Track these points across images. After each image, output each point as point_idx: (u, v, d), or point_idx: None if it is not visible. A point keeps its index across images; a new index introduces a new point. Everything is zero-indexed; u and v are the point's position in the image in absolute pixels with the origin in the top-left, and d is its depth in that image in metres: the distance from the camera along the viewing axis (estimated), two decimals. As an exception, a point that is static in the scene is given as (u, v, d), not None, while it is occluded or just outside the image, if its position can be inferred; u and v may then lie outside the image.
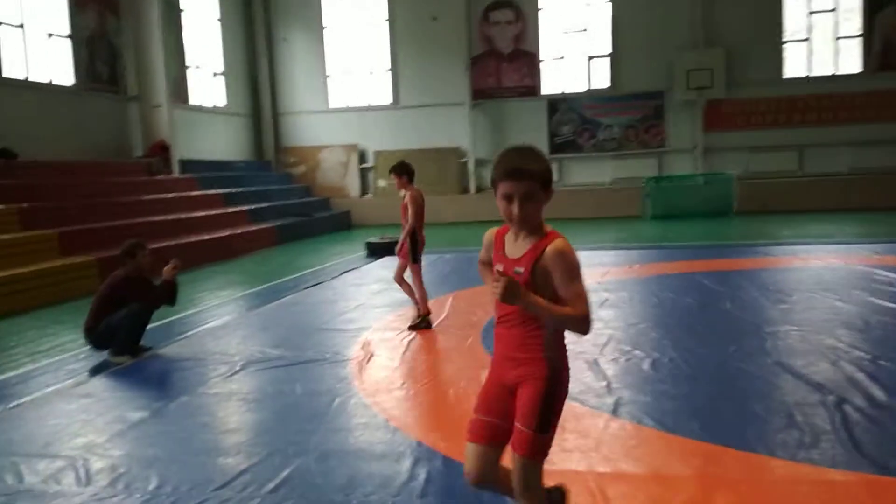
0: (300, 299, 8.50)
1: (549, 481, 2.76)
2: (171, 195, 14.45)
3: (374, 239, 13.27)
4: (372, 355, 5.63)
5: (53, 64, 13.97)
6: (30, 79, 13.36)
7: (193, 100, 18.02)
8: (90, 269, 9.70)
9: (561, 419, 2.42)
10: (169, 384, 5.33)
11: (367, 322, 6.95)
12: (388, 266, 10.70)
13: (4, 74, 12.76)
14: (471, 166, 20.14)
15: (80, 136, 14.39)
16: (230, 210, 15.52)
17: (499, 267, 2.40)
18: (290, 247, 15.06)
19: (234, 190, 16.75)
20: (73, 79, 14.39)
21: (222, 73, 19.44)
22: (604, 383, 4.55)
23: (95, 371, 5.67)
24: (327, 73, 20.84)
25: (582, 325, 2.28)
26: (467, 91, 19.93)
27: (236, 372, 5.35)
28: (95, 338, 5.88)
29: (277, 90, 21.06)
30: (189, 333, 6.86)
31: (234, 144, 20.01)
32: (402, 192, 6.64)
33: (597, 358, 5.14)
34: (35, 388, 5.28)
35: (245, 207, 16.12)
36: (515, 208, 2.29)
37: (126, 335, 5.82)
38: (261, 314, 7.68)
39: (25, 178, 11.75)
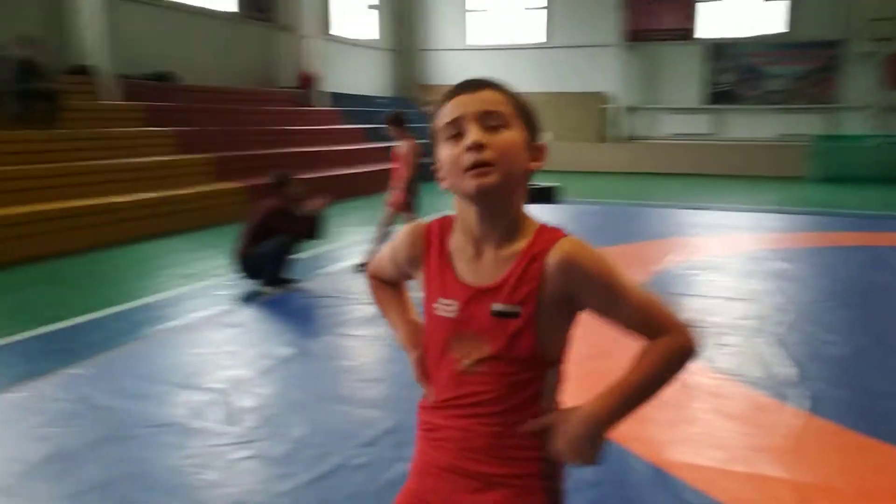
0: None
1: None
2: (316, 127, 14.57)
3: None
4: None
5: (213, -10, 14.24)
6: (194, 4, 13.68)
7: (343, 32, 18.00)
8: (240, 196, 9.88)
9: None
10: (314, 321, 5.22)
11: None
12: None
13: (168, -1, 13.12)
14: (615, 113, 19.13)
15: (234, 64, 14.70)
16: (371, 146, 15.49)
17: (447, 306, 1.27)
18: (427, 186, 14.89)
19: (375, 126, 16.70)
20: (235, 5, 14.64)
21: (375, 7, 19.27)
22: (794, 370, 3.97)
23: (243, 300, 5.65)
24: (467, 8, 20.24)
25: (689, 354, 1.24)
26: (618, 32, 18.78)
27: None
28: (245, 265, 5.85)
29: (422, 25, 20.71)
30: (331, 268, 6.77)
31: (378, 80, 19.95)
32: (400, 143, 6.54)
33: (783, 338, 4.53)
34: (184, 313, 5.31)
35: (386, 144, 16.05)
36: (474, 136, 1.18)
37: (273, 266, 5.76)
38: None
39: (183, 101, 12.09)
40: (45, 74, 9.24)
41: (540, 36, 19.93)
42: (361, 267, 6.51)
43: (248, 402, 3.54)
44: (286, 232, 5.80)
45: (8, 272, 6.61)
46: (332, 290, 5.85)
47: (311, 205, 5.94)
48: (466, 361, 1.27)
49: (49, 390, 3.68)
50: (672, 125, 19.07)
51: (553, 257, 1.20)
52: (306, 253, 6.93)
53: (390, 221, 6.61)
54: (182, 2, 13.43)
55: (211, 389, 3.69)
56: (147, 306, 5.54)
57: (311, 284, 6.09)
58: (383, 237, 6.52)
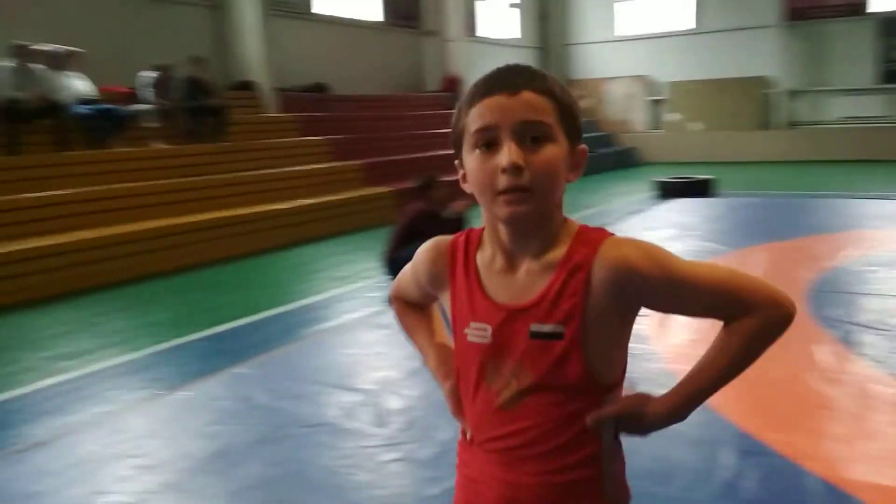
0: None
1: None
2: (460, 129, 14.73)
3: (664, 178, 12.33)
4: (674, 312, 5.00)
5: (363, 1, 14.76)
6: (340, 15, 14.25)
7: (485, 33, 18.10)
8: (388, 200, 10.15)
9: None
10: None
11: (665, 271, 6.29)
12: (680, 209, 9.82)
13: (314, 10, 13.73)
14: (775, 98, 17.92)
15: (382, 71, 15.14)
16: (516, 144, 15.45)
17: (479, 331, 1.11)
18: (573, 184, 14.59)
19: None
20: (381, 15, 15.12)
21: (517, 5, 19.24)
22: None
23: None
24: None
25: (783, 327, 1.07)
26: (777, 10, 17.58)
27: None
28: (393, 267, 5.98)
29: (566, 20, 20.41)
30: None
31: (521, 78, 19.88)
32: None
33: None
34: (337, 315, 5.50)
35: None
36: (512, 156, 1.00)
37: (420, 269, 5.84)
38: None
39: (336, 111, 12.61)
40: (212, 91, 9.93)
41: (689, 22, 19.06)
42: None
43: (396, 403, 3.59)
44: (432, 234, 5.85)
45: (182, 276, 7.15)
46: (479, 292, 5.84)
47: (455, 206, 5.98)
48: (506, 394, 1.09)
49: (215, 389, 3.92)
50: (840, 108, 17.60)
51: (599, 265, 1.04)
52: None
53: None
54: (332, 14, 14.02)
55: (361, 390, 3.77)
56: (303, 308, 5.79)
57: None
58: None
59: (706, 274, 1.06)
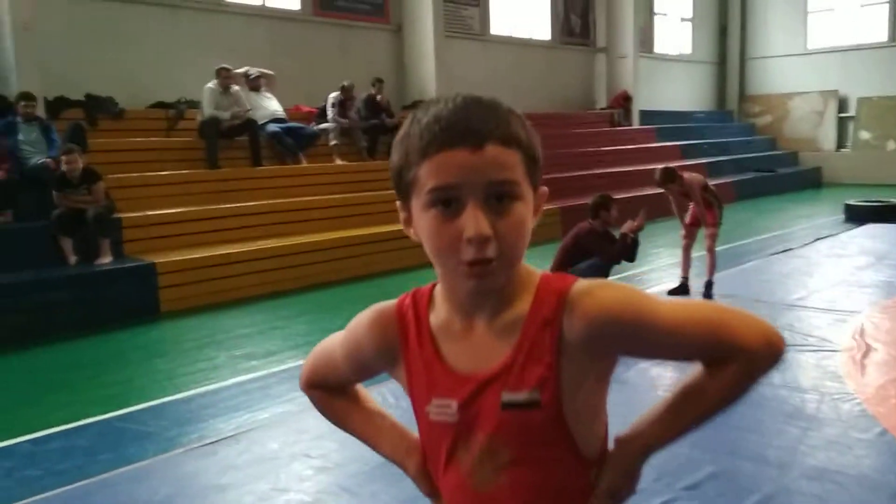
0: (765, 267, 7.59)
1: None
2: (629, 146, 14.42)
3: (855, 200, 11.39)
4: (868, 349, 4.61)
5: (533, 20, 14.88)
6: (513, 35, 14.45)
7: (658, 48, 17.64)
8: (553, 217, 10.12)
9: None
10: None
11: (856, 304, 5.80)
12: (873, 235, 9.04)
13: (493, 31, 14.00)
14: None
15: (550, 89, 15.16)
16: (687, 162, 14.87)
17: (442, 408, 0.98)
18: (750, 205, 13.84)
19: (691, 142, 16.06)
20: (549, 34, 15.17)
21: (689, 20, 18.62)
22: None
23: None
24: (808, 10, 18.47)
25: (770, 368, 0.95)
26: None
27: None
28: (557, 288, 5.94)
29: (747, 34, 19.43)
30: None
31: (694, 94, 19.16)
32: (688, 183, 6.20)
33: None
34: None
35: (702, 161, 15.31)
36: (480, 227, 0.86)
37: (586, 290, 5.76)
38: (720, 280, 7.02)
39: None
40: (387, 110, 10.39)
41: (881, 34, 17.52)
42: (675, 292, 6.25)
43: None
44: (601, 254, 5.78)
45: (360, 285, 7.50)
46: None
47: (627, 227, 5.86)
48: (480, 475, 0.96)
49: (389, 396, 4.07)
50: None
51: (571, 317, 0.90)
52: (618, 275, 6.84)
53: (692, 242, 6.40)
54: (504, 34, 14.24)
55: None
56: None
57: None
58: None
59: (690, 315, 0.93)
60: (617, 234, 5.90)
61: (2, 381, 4.92)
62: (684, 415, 0.97)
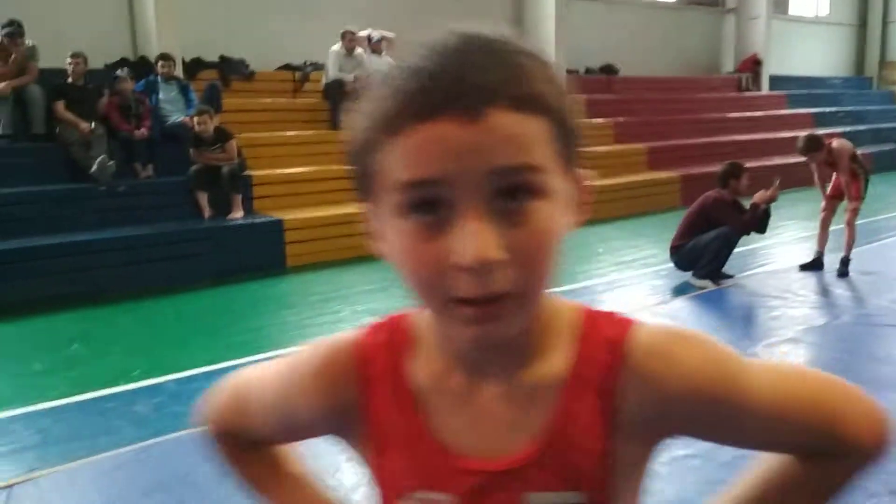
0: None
1: None
2: (758, 113, 13.73)
3: None
4: None
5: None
6: (636, -3, 13.98)
7: (792, 10, 16.60)
8: (673, 185, 9.83)
9: None
10: (752, 321, 4.96)
11: None
12: None
13: (613, -6, 13.60)
14: None
15: (673, 52, 14.60)
16: (821, 131, 14.02)
17: None
18: (889, 177, 12.91)
19: (825, 109, 15.08)
20: (674, -6, 14.60)
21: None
22: None
23: (675, 292, 5.62)
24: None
25: (878, 459, 0.69)
26: None
27: (836, 320, 4.65)
28: (680, 257, 5.80)
29: (895, -8, 17.97)
30: (772, 266, 6.33)
31: (830, 58, 17.95)
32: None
33: None
34: (618, 300, 5.48)
35: (838, 130, 14.36)
36: (481, 248, 0.54)
37: (711, 259, 5.60)
38: (857, 256, 6.59)
39: (622, 93, 12.44)
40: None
41: None
42: (808, 267, 5.96)
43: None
44: (730, 224, 5.58)
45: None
46: (773, 290, 5.46)
47: (759, 197, 5.61)
48: None
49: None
50: None
51: (632, 384, 0.62)
52: (745, 247, 6.60)
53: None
54: (627, -5, 13.80)
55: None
56: (584, 290, 5.85)
57: (750, 282, 5.77)
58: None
59: (793, 391, 0.66)
60: (747, 204, 5.68)
61: (152, 323, 5.32)
62: None
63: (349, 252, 7.14)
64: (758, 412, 0.64)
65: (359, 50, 9.02)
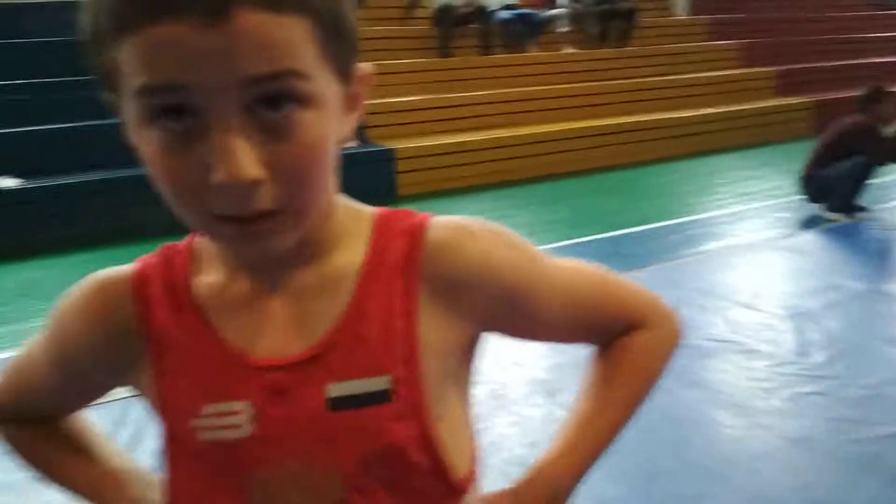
0: None
1: None
2: (900, 32, 12.50)
3: None
4: None
5: None
6: None
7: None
8: (805, 112, 9.17)
9: None
10: (888, 256, 4.62)
11: None
12: None
13: None
14: None
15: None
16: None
17: (223, 418, 0.59)
18: None
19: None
20: None
21: None
22: None
23: (805, 225, 5.29)
24: None
25: (673, 350, 0.79)
26: None
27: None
28: (811, 187, 5.43)
29: None
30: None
31: None
32: None
33: None
34: (741, 232, 5.23)
35: None
36: (235, 167, 0.49)
37: (846, 190, 5.21)
38: None
39: (752, 12, 11.61)
40: (622, -5, 9.81)
41: None
42: None
43: (813, 334, 3.31)
44: (870, 152, 5.14)
45: (580, 179, 7.40)
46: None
47: (900, 124, 5.15)
48: None
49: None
50: None
51: (436, 260, 0.61)
52: (884, 178, 6.12)
53: None
54: None
55: (773, 314, 3.55)
56: (703, 222, 5.61)
57: (887, 215, 5.35)
58: None
59: (584, 274, 0.74)
60: (890, 131, 5.21)
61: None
62: (599, 426, 0.74)
63: (461, 181, 7.14)
64: (546, 307, 0.67)
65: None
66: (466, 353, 0.66)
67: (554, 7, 9.61)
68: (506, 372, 2.98)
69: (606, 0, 9.64)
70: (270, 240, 0.54)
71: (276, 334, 0.60)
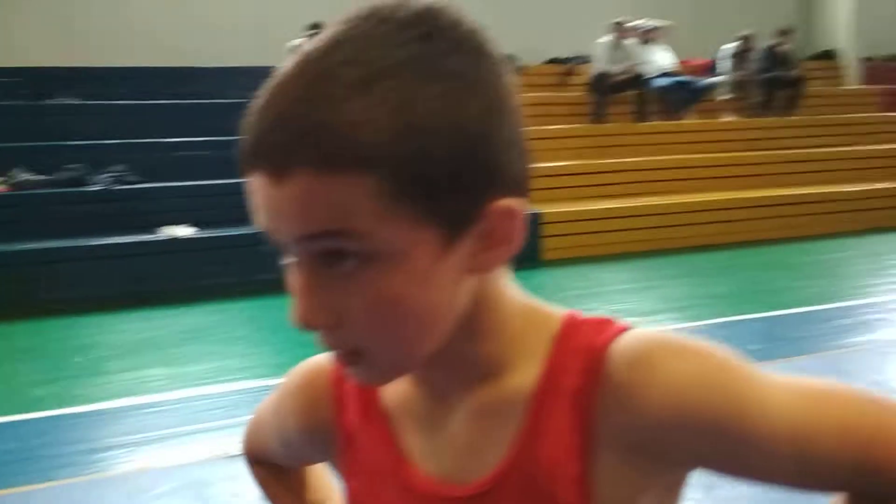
0: None
1: None
2: None
3: None
4: None
5: None
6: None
7: None
8: None
9: None
10: None
11: None
12: None
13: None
14: None
15: None
16: None
17: None
18: None
19: None
20: None
21: None
22: None
23: None
24: None
25: None
26: None
27: None
28: None
29: None
30: None
31: None
32: None
33: None
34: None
35: None
36: (298, 311, 0.50)
37: None
38: None
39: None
40: (790, 62, 9.41)
41: None
42: None
43: None
44: None
45: (739, 252, 7.03)
46: None
47: None
48: None
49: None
50: None
51: (612, 400, 0.52)
52: None
53: None
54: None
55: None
56: (879, 306, 5.13)
57: None
58: None
59: (825, 415, 0.54)
60: None
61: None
62: None
63: (607, 248, 7.01)
64: (767, 444, 0.52)
65: (629, 40, 8.76)
66: (664, 494, 0.57)
67: (715, 75, 9.37)
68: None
69: (773, 67, 9.29)
70: (364, 376, 0.55)
71: (451, 460, 0.58)
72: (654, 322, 4.84)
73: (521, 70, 9.02)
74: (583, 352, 0.54)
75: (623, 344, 0.54)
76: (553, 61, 9.44)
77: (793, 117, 9.22)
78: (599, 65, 8.65)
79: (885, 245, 7.20)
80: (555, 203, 7.28)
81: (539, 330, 0.57)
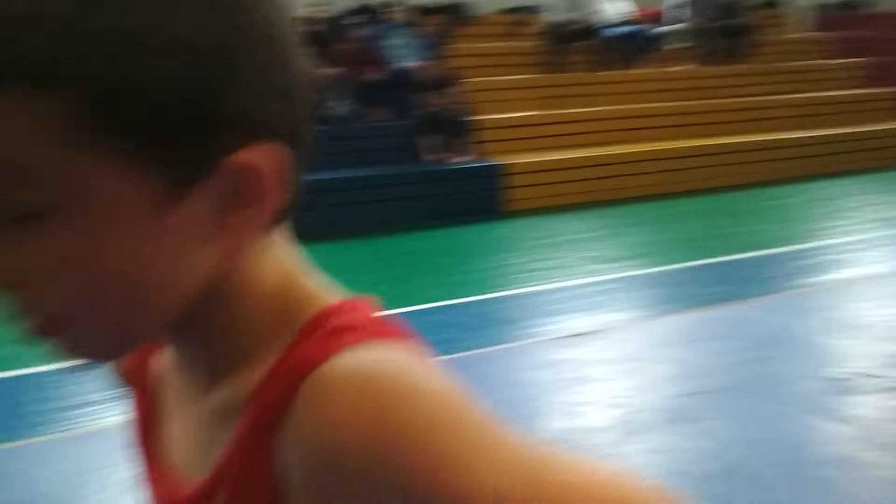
0: None
1: None
2: None
3: None
4: None
5: None
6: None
7: None
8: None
9: None
10: None
11: None
12: None
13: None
14: None
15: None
16: None
17: None
18: None
19: None
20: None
21: None
22: None
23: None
24: None
25: None
26: None
27: None
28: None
29: None
30: None
31: None
32: None
33: None
34: (871, 261, 4.96)
35: None
36: None
37: None
38: None
39: (876, 29, 11.07)
40: (740, 10, 9.52)
41: None
42: None
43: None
44: None
45: (691, 199, 7.17)
46: None
47: None
48: None
49: (754, 314, 3.85)
50: None
51: (296, 422, 0.40)
52: None
53: None
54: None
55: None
56: (825, 249, 5.30)
57: None
58: None
59: (542, 475, 0.39)
60: None
61: (376, 260, 5.60)
62: None
63: (573, 198, 7.07)
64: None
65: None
66: None
67: (665, 24, 9.43)
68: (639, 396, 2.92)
69: (723, 16, 9.38)
70: (72, 349, 0.43)
71: (192, 449, 0.50)
72: (624, 268, 4.91)
73: (473, 20, 8.94)
74: (295, 367, 0.42)
75: (334, 364, 0.40)
76: (505, 11, 9.34)
77: (744, 65, 9.37)
78: (553, 14, 8.60)
79: (836, 189, 7.44)
80: (516, 154, 7.30)
81: (289, 323, 0.45)
